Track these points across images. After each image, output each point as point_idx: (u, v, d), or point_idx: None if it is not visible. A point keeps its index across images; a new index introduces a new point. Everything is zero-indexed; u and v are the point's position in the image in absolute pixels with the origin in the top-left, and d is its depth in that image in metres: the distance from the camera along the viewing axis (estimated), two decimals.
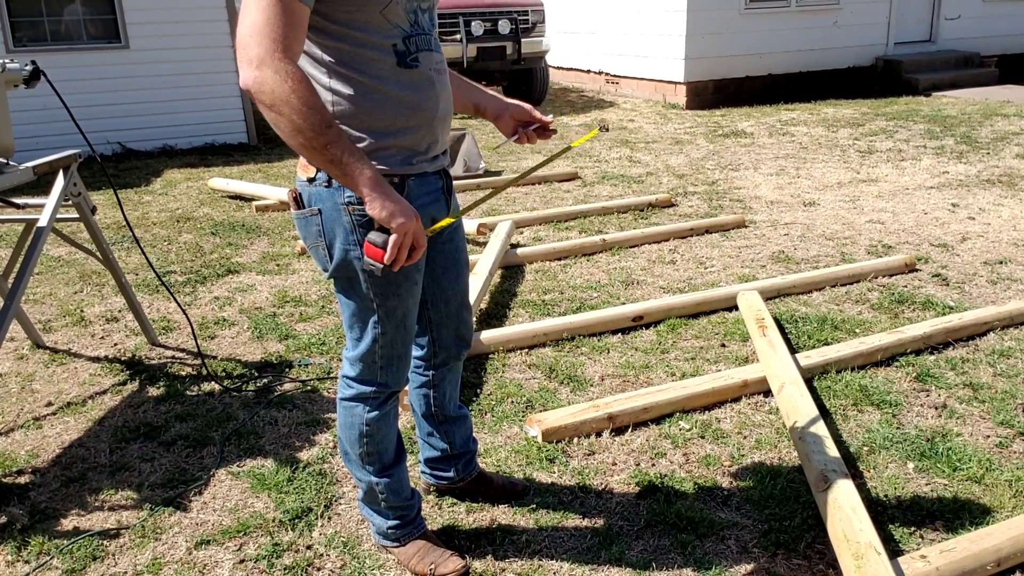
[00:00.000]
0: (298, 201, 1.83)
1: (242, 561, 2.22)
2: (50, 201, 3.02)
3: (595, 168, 6.97)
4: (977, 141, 7.68)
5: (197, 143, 8.25)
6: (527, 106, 2.08)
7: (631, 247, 4.82)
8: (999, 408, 2.92)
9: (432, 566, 2.11)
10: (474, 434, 2.78)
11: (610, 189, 6.25)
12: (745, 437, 2.77)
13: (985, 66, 11.46)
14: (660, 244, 4.88)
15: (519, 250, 4.61)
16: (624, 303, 3.91)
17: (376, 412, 2.03)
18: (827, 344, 3.40)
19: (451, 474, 2.39)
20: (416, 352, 2.22)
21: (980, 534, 2.13)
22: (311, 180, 1.79)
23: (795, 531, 2.28)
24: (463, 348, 2.23)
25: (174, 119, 8.11)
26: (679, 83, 10.20)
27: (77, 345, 3.64)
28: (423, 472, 2.43)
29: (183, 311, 3.36)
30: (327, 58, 1.70)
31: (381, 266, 1.72)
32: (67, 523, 2.40)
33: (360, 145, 1.76)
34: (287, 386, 3.20)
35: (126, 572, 2.19)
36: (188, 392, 3.17)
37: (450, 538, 2.28)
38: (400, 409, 2.92)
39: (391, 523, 2.16)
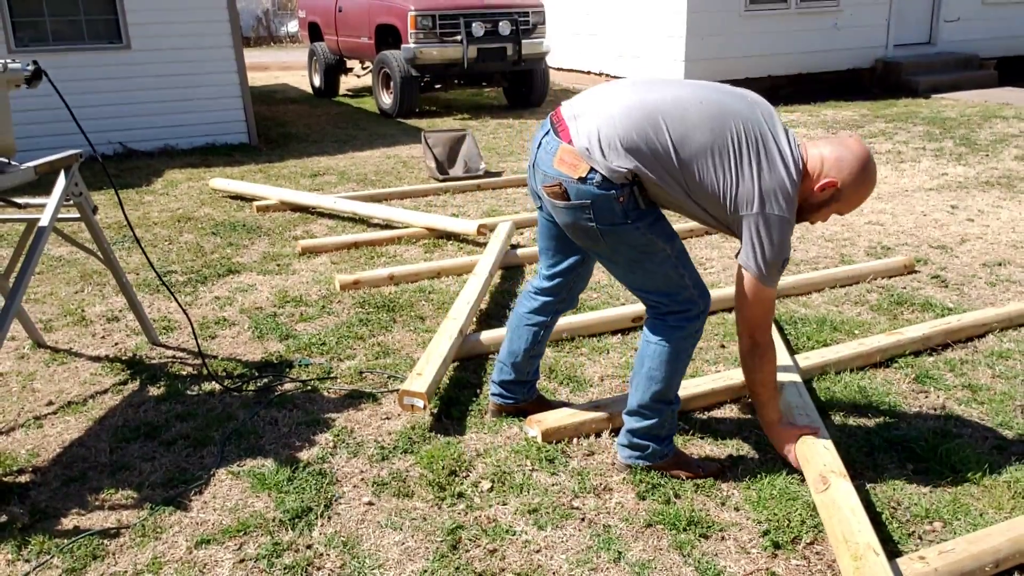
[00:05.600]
0: (565, 194, 2.26)
1: (242, 560, 2.23)
2: (51, 201, 3.02)
3: None
4: (976, 143, 7.69)
5: (198, 143, 8.26)
6: None
7: None
8: (998, 410, 2.92)
9: (699, 468, 2.54)
10: (475, 433, 2.81)
11: None
12: (745, 437, 2.77)
13: (984, 68, 11.47)
14: None
15: (519, 250, 4.61)
16: (624, 303, 3.91)
17: (696, 342, 2.48)
18: (826, 345, 3.41)
19: (519, 396, 2.84)
20: (546, 299, 2.70)
21: (979, 535, 2.13)
22: (583, 180, 2.22)
23: (794, 531, 2.28)
24: (576, 303, 2.80)
25: (175, 119, 8.11)
26: None
27: (78, 344, 3.65)
28: (494, 394, 2.86)
29: (184, 311, 3.37)
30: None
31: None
32: (67, 522, 2.40)
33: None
34: (287, 386, 3.21)
35: (126, 571, 2.20)
36: (188, 392, 3.18)
37: (453, 536, 2.29)
38: (401, 409, 2.93)
39: (666, 443, 2.54)
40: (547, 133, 2.32)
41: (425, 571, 2.17)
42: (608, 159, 2.20)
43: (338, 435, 2.83)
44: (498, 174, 6.84)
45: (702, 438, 2.77)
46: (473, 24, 9.66)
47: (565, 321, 3.54)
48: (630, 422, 2.54)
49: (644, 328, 2.51)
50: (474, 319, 3.72)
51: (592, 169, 2.21)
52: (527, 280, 4.32)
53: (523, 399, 2.85)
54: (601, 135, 2.21)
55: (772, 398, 2.50)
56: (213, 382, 3.24)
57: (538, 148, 2.34)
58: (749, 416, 2.91)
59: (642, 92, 2.27)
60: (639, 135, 2.20)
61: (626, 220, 2.25)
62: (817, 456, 2.41)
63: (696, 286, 2.40)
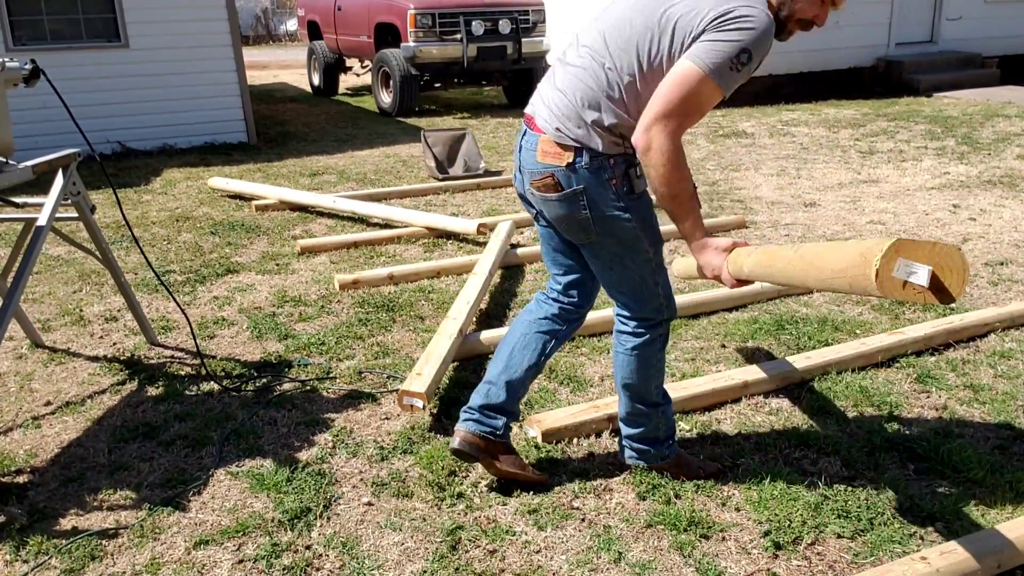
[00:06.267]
0: (558, 185, 2.19)
1: (241, 561, 2.21)
2: (49, 200, 3.01)
3: None
4: (978, 142, 7.67)
5: (197, 142, 8.25)
6: None
7: None
8: (1000, 410, 2.91)
9: (700, 469, 2.52)
10: None
11: None
12: (745, 438, 2.76)
13: (987, 67, 11.45)
14: None
15: (519, 250, 4.60)
16: None
17: (664, 346, 2.42)
18: (828, 345, 3.40)
19: (496, 425, 2.42)
20: (564, 305, 2.51)
21: (981, 536, 2.12)
22: (571, 166, 2.16)
23: (795, 532, 2.27)
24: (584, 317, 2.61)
25: (174, 118, 8.10)
26: None
27: (76, 344, 3.64)
28: (467, 419, 2.43)
29: (182, 311, 3.36)
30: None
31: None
32: (66, 523, 2.39)
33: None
34: (286, 386, 3.20)
35: (124, 572, 2.19)
36: (187, 392, 3.17)
37: (452, 536, 2.28)
38: (400, 409, 2.92)
39: (666, 445, 2.51)
40: (524, 135, 2.29)
41: (425, 572, 2.16)
42: (581, 125, 2.14)
43: (337, 435, 2.82)
44: (498, 173, 6.83)
45: (702, 438, 2.76)
46: (473, 23, 9.65)
47: None
48: (625, 429, 2.53)
49: (613, 337, 2.46)
50: (474, 319, 3.71)
51: (578, 152, 2.15)
52: (526, 280, 4.31)
53: (500, 434, 2.43)
54: (562, 109, 2.17)
55: (691, 212, 2.15)
56: (212, 382, 3.23)
57: (520, 151, 2.30)
58: (750, 416, 2.90)
59: (573, 55, 2.24)
60: (587, 87, 2.14)
61: (620, 207, 2.19)
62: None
63: (666, 297, 2.36)
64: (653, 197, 2.20)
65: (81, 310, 4.02)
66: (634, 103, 2.12)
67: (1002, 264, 4.43)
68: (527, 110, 2.32)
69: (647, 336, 2.37)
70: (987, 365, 3.24)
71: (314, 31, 12.56)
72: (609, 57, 2.14)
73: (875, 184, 6.27)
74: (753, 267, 2.06)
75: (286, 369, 3.34)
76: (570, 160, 2.15)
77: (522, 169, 2.30)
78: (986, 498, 2.41)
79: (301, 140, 8.67)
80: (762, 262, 2.03)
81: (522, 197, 2.40)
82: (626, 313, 2.39)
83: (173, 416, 2.98)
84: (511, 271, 4.44)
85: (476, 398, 2.46)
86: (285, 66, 17.16)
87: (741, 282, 2.15)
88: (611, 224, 2.21)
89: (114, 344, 3.63)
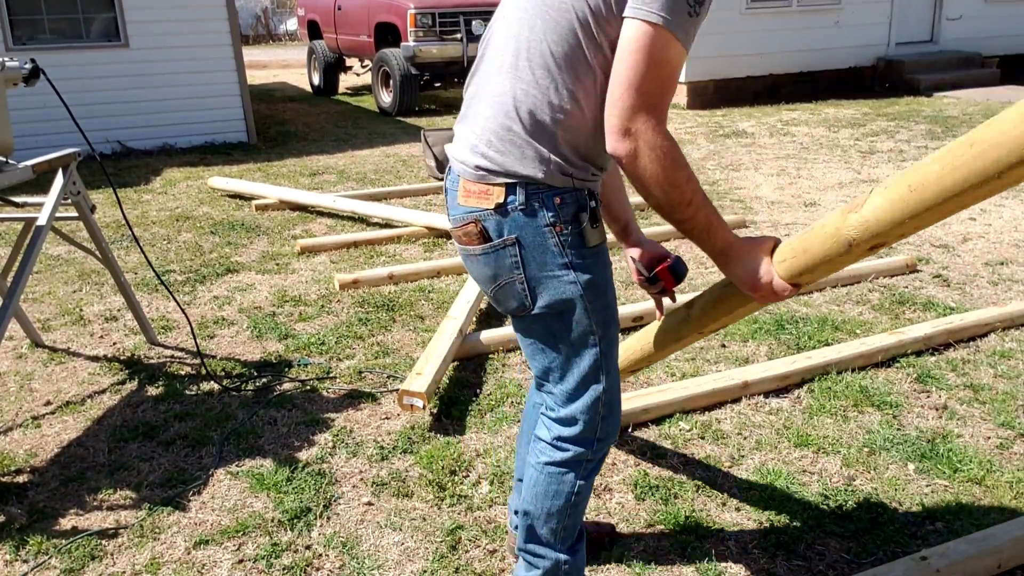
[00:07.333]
0: (484, 234, 1.64)
1: (241, 561, 2.21)
2: (49, 200, 3.01)
3: None
4: None
5: (197, 142, 8.25)
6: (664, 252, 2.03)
7: None
8: (1000, 409, 2.91)
9: None
10: (475, 433, 2.78)
11: None
12: (745, 438, 2.76)
13: (987, 67, 11.45)
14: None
15: None
16: (624, 303, 3.90)
17: (589, 479, 1.79)
18: (828, 345, 3.40)
19: None
20: None
21: (981, 535, 2.12)
22: (501, 207, 1.61)
23: (795, 532, 2.27)
24: None
25: (174, 118, 8.11)
26: (679, 83, 10.20)
27: (76, 344, 3.64)
28: (516, 527, 2.11)
29: (182, 310, 3.36)
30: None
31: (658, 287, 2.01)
32: (65, 522, 2.39)
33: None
34: (286, 386, 3.20)
35: (124, 572, 2.19)
36: (187, 391, 3.17)
37: (452, 536, 2.28)
38: (400, 409, 2.91)
39: None
40: (449, 172, 1.76)
41: (425, 571, 2.16)
42: (511, 147, 1.59)
43: (337, 435, 2.82)
44: None
45: (702, 438, 2.76)
46: (473, 22, 9.65)
47: None
48: (516, 570, 1.95)
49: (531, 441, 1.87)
50: (474, 318, 3.70)
51: (510, 189, 1.59)
52: None
53: None
54: (482, 135, 1.64)
55: (711, 214, 1.59)
56: (212, 382, 3.23)
57: (446, 194, 1.76)
58: (750, 416, 2.90)
59: (480, 77, 1.73)
60: (512, 92, 1.61)
61: (563, 264, 1.62)
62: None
63: (607, 405, 1.73)
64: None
65: (81, 310, 4.02)
66: (578, 82, 1.57)
67: (1002, 264, 4.43)
68: (448, 149, 1.82)
69: (569, 454, 1.75)
70: (987, 365, 3.24)
71: (314, 31, 12.56)
72: (530, 41, 1.60)
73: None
74: (804, 257, 1.64)
75: (286, 369, 3.34)
76: (500, 200, 1.60)
77: (449, 215, 1.76)
78: (986, 498, 2.41)
79: (301, 140, 8.67)
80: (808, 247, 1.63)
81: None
82: (550, 414, 1.77)
83: (173, 416, 2.98)
84: None
85: (513, 499, 2.18)
86: (285, 65, 17.16)
87: (796, 287, 1.68)
88: (551, 288, 1.64)
89: (114, 344, 3.63)
